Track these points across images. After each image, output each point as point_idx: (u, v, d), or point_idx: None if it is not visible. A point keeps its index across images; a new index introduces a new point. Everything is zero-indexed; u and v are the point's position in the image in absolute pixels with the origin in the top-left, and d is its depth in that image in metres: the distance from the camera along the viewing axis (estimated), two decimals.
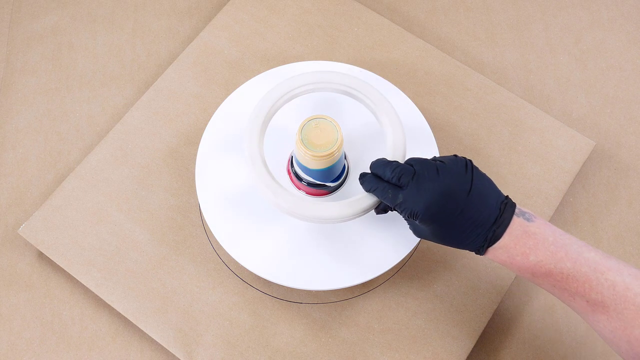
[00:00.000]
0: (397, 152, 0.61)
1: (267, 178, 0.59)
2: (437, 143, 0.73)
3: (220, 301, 0.67)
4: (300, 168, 0.63)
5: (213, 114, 0.72)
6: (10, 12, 0.84)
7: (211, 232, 0.69)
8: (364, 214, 0.60)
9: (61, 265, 0.68)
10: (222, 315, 0.66)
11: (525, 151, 0.74)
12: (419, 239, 0.65)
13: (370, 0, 0.85)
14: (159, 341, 0.66)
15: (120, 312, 0.67)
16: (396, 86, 0.73)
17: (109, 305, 0.69)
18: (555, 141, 0.75)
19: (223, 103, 0.71)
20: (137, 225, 0.70)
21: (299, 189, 0.66)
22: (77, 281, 0.69)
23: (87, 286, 0.67)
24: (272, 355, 0.65)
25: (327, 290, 0.67)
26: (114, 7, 0.85)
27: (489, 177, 0.57)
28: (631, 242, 0.73)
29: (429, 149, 0.69)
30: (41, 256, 0.71)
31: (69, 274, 0.70)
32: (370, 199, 0.59)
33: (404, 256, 0.64)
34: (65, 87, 0.80)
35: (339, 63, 0.73)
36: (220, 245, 0.66)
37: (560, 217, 0.74)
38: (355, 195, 0.59)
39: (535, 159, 0.74)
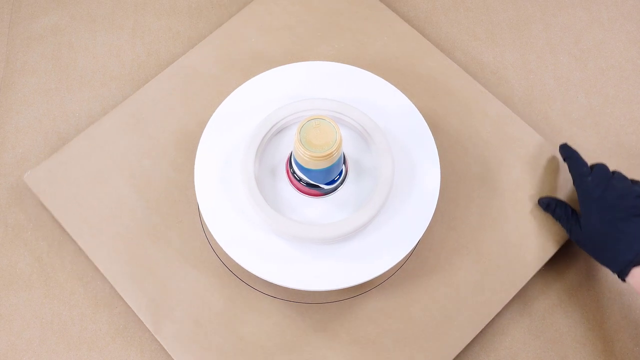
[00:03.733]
0: (382, 179, 0.64)
1: (260, 199, 0.64)
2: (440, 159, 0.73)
3: (197, 281, 0.68)
4: (299, 168, 0.63)
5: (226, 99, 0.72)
6: (10, 12, 0.84)
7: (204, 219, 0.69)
8: (344, 238, 0.64)
9: (56, 217, 0.70)
10: (197, 294, 0.67)
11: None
12: (419, 237, 0.65)
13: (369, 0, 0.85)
14: (130, 305, 0.67)
15: (102, 272, 0.68)
16: (411, 101, 0.72)
17: (109, 305, 0.69)
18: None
19: (223, 102, 0.71)
20: (135, 192, 0.71)
21: (298, 189, 0.66)
22: (77, 281, 0.70)
23: (76, 241, 0.69)
24: (237, 342, 0.65)
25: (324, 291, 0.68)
26: (114, 7, 0.85)
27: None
28: None
29: (428, 148, 0.69)
30: (41, 256, 0.71)
31: (69, 274, 0.70)
32: (350, 224, 0.63)
33: (402, 256, 0.64)
34: (65, 87, 0.80)
35: (353, 67, 0.73)
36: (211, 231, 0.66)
37: None
38: (342, 217, 0.64)
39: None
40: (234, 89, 0.73)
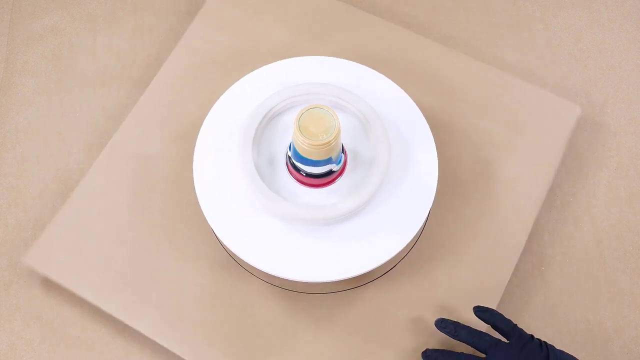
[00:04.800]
0: (377, 166, 0.65)
1: (259, 182, 0.64)
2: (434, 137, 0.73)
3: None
4: (297, 158, 0.63)
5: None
6: (10, 12, 0.84)
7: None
8: (338, 221, 0.64)
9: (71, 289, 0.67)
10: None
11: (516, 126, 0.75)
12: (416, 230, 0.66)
13: (369, 0, 0.85)
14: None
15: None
16: (410, 95, 0.72)
17: None
18: (542, 110, 0.76)
19: (220, 98, 0.71)
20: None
21: (297, 180, 0.66)
22: None
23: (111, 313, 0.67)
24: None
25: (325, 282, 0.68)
26: (114, 7, 0.85)
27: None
28: (631, 242, 0.73)
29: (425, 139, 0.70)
30: None
31: None
32: (347, 204, 0.63)
33: (399, 249, 0.64)
34: (65, 87, 0.80)
35: (350, 61, 0.73)
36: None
37: (561, 217, 0.74)
38: (338, 199, 0.64)
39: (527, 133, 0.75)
40: (229, 85, 0.73)
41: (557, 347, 0.69)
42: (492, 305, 0.67)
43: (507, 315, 0.70)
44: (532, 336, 0.61)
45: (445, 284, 0.68)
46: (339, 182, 0.67)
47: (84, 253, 0.68)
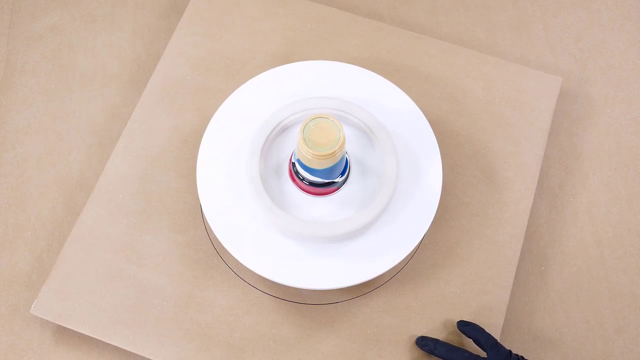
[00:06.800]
0: (387, 177, 0.65)
1: (267, 200, 0.64)
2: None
3: (258, 323, 0.66)
4: (301, 167, 0.63)
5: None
6: (10, 12, 0.84)
7: (228, 257, 0.68)
8: (349, 236, 0.64)
9: (86, 333, 0.65)
10: (264, 336, 0.66)
11: (501, 102, 0.76)
12: (419, 238, 0.65)
13: (370, 1, 0.85)
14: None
15: None
16: (413, 100, 0.72)
17: None
18: (526, 84, 0.77)
19: (224, 103, 0.71)
20: (152, 271, 0.68)
21: (301, 188, 0.66)
22: None
23: (121, 346, 0.65)
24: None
25: (346, 288, 0.67)
26: (114, 7, 0.85)
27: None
28: (631, 242, 0.73)
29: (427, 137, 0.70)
30: (41, 256, 0.71)
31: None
32: (355, 223, 0.63)
33: (407, 253, 0.64)
34: (65, 87, 0.80)
35: (354, 66, 0.73)
36: (243, 267, 0.64)
37: (561, 216, 0.74)
38: (346, 216, 0.64)
39: (513, 106, 0.76)
40: (231, 91, 0.73)
41: (558, 347, 0.69)
42: (498, 305, 0.67)
43: (508, 314, 0.70)
44: (510, 352, 0.61)
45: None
46: (344, 190, 0.67)
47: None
